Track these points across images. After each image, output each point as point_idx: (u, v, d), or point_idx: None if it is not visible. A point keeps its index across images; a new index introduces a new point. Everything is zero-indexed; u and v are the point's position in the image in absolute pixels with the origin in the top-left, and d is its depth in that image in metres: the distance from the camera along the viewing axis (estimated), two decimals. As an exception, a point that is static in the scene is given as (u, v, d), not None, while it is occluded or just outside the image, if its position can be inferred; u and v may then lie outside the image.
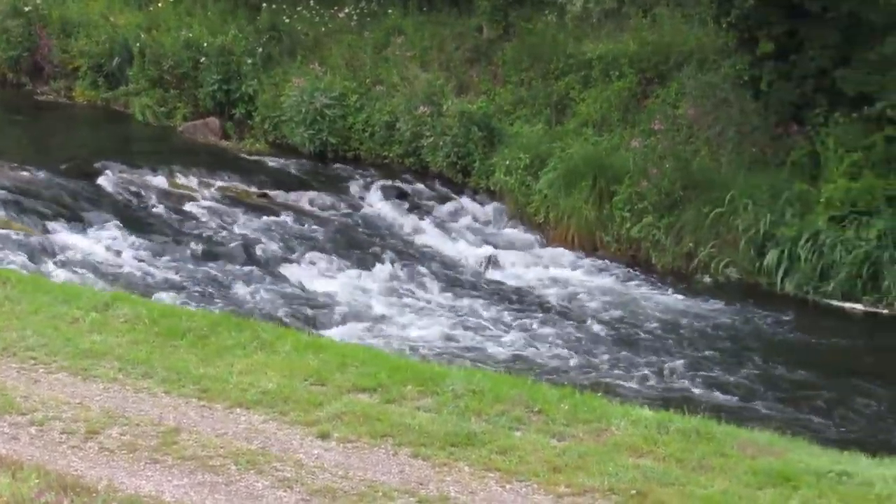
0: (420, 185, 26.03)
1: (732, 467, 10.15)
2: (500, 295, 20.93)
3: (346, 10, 29.92)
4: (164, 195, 24.57)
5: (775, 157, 22.58)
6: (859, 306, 20.47)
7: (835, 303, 20.60)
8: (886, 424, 16.40)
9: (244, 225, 23.26)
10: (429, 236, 23.76)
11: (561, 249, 23.16)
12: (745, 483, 9.86)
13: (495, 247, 23.19)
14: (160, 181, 25.40)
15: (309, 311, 19.42)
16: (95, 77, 31.08)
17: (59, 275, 19.24)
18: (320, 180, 26.44)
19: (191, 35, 29.75)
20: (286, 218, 23.74)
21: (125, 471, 9.74)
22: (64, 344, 12.44)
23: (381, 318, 19.45)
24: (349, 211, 24.91)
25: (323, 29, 29.77)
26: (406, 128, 26.44)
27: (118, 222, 22.47)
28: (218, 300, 19.33)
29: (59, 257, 20.51)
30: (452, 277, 21.65)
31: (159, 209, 23.77)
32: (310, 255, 21.93)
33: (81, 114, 30.89)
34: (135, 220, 22.99)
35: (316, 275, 21.23)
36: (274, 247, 22.24)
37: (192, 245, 21.91)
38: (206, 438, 10.35)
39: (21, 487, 8.95)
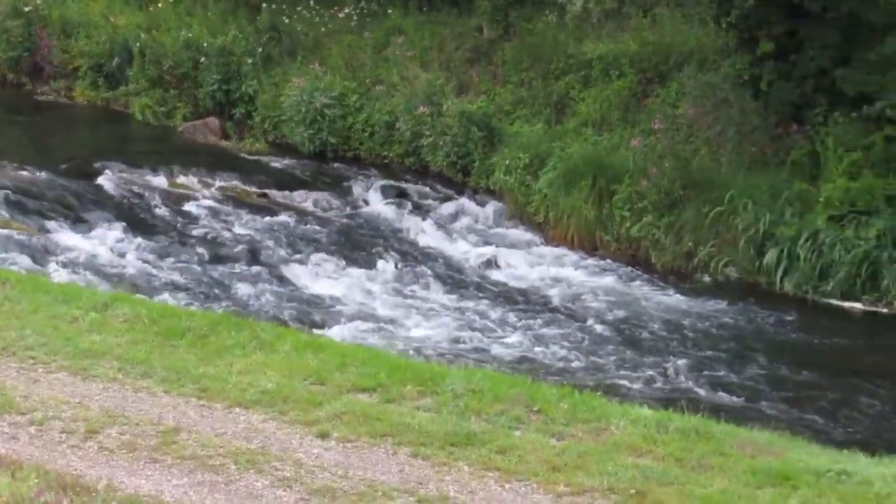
0: (420, 185, 26.04)
1: (732, 466, 10.15)
2: (500, 294, 20.93)
3: (346, 11, 29.92)
4: (164, 195, 24.57)
5: (775, 156, 22.59)
6: (858, 305, 20.47)
7: (834, 302, 20.60)
8: (888, 424, 16.39)
9: (244, 225, 23.26)
10: (429, 236, 23.76)
11: (561, 249, 23.17)
12: (745, 482, 9.86)
13: (495, 246, 23.19)
14: (160, 181, 25.41)
15: (308, 311, 19.43)
16: (95, 77, 31.08)
17: (59, 275, 19.25)
18: (320, 180, 26.44)
19: (191, 35, 29.75)
20: (286, 218, 23.75)
21: (125, 470, 9.74)
22: (63, 344, 12.44)
23: (381, 318, 19.44)
24: (349, 211, 24.91)
25: (323, 29, 29.77)
26: (406, 128, 26.45)
27: (118, 222, 22.48)
28: (217, 300, 19.34)
29: (59, 257, 20.52)
30: (452, 277, 21.65)
31: (159, 209, 23.78)
32: (309, 255, 21.93)
33: (81, 114, 30.89)
34: (135, 220, 22.99)
35: (315, 274, 21.23)
36: (273, 246, 22.24)
37: (192, 245, 21.93)
38: (205, 438, 10.35)
39: (20, 487, 8.95)
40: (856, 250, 20.45)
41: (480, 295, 20.79)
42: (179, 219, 23.42)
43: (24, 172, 24.86)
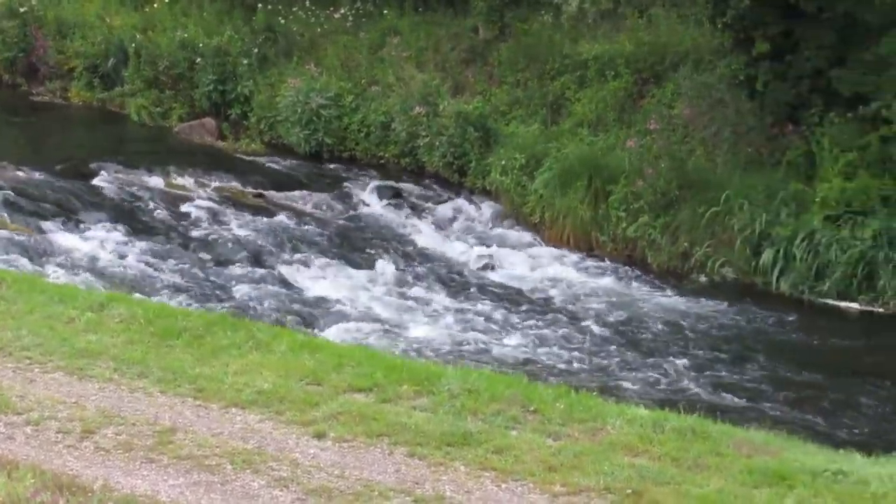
0: (416, 186, 26.04)
1: (728, 466, 10.15)
2: (498, 295, 20.92)
3: (342, 11, 29.94)
4: (160, 195, 24.56)
5: (771, 156, 22.60)
6: (855, 305, 20.49)
7: (830, 302, 20.62)
8: (887, 424, 16.39)
9: (240, 225, 23.25)
10: (425, 236, 23.77)
11: (557, 249, 23.17)
12: (741, 482, 9.87)
13: (491, 247, 23.19)
14: (156, 181, 25.40)
15: (305, 311, 19.42)
16: (91, 78, 31.07)
17: (55, 275, 19.23)
18: (316, 181, 26.43)
19: (186, 36, 29.74)
20: (282, 218, 23.74)
21: (121, 470, 9.73)
22: (60, 344, 12.44)
23: (379, 319, 19.43)
24: (345, 211, 24.90)
25: (319, 29, 29.79)
26: (402, 128, 26.45)
27: (114, 223, 22.48)
28: (214, 300, 19.32)
29: (55, 257, 20.50)
30: (449, 277, 21.65)
31: (155, 210, 23.76)
32: (305, 256, 21.94)
33: (77, 115, 30.89)
34: (131, 220, 22.97)
35: (312, 275, 21.22)
36: (270, 247, 22.23)
37: (188, 245, 21.94)
38: (201, 438, 10.34)
39: (17, 487, 8.95)
40: (852, 250, 20.46)
41: (478, 296, 20.78)
42: (175, 219, 23.40)
43: (20, 173, 24.86)
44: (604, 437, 10.62)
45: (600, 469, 9.89)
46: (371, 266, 21.71)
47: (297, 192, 25.50)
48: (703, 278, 21.79)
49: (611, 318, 19.98)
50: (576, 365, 17.90)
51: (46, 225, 22.08)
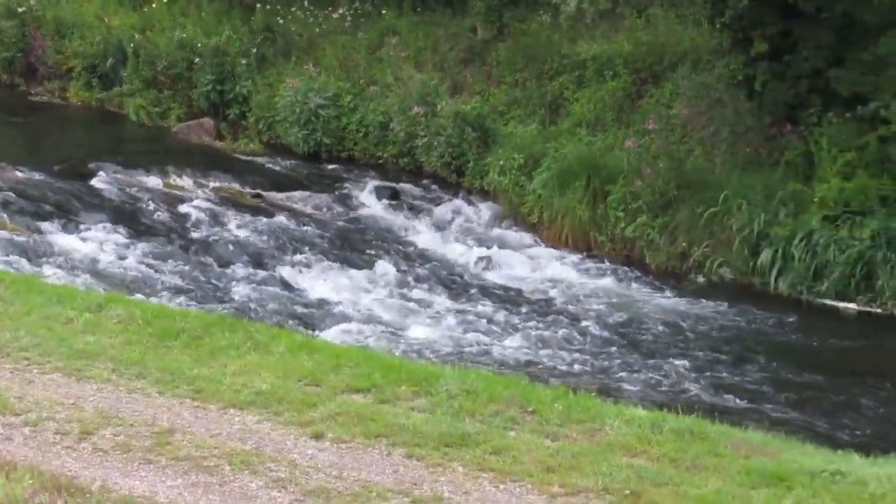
0: (414, 186, 26.04)
1: (726, 467, 10.15)
2: (496, 296, 20.91)
3: (341, 11, 29.94)
4: (158, 196, 24.56)
5: (769, 157, 22.60)
6: (853, 306, 20.49)
7: (828, 302, 20.62)
8: (887, 425, 16.38)
9: (239, 226, 23.24)
10: (423, 236, 23.78)
11: (555, 249, 23.17)
12: (739, 483, 9.86)
13: (489, 247, 23.18)
14: (154, 182, 25.40)
15: (303, 312, 19.41)
16: (89, 78, 31.07)
17: (53, 275, 19.22)
18: (314, 181, 26.43)
19: (185, 36, 29.75)
20: (280, 219, 23.74)
21: (119, 471, 9.73)
22: (58, 344, 12.43)
23: (378, 320, 19.42)
24: (343, 211, 24.90)
25: (317, 29, 29.79)
26: (400, 128, 26.45)
27: (112, 223, 22.48)
28: (212, 301, 19.32)
29: (53, 258, 20.50)
30: (447, 278, 21.65)
31: (154, 210, 23.76)
32: (304, 257, 21.93)
33: (75, 115, 30.89)
34: (129, 220, 22.97)
35: (311, 276, 21.21)
36: (269, 248, 22.24)
37: (187, 246, 21.93)
38: (200, 439, 10.34)
39: (15, 488, 8.95)
40: (850, 250, 20.46)
41: (477, 296, 20.77)
42: (174, 220, 23.40)
43: (19, 173, 24.86)
44: (602, 438, 10.62)
45: (598, 470, 9.89)
46: (370, 267, 21.70)
47: (295, 193, 25.50)
48: (701, 278, 21.80)
49: (610, 319, 19.97)
50: (576, 366, 17.89)
51: (45, 225, 22.07)
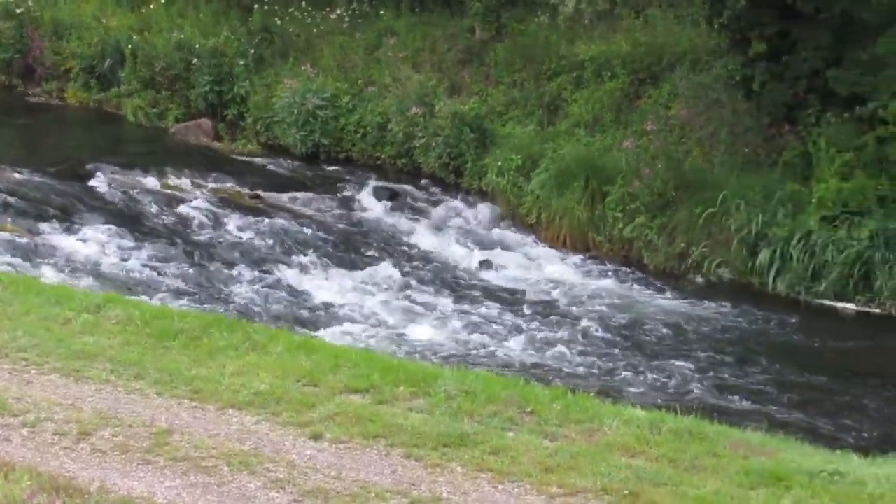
0: (412, 187, 26.03)
1: (725, 467, 10.16)
2: (496, 297, 20.90)
3: (338, 12, 29.93)
4: (156, 197, 24.55)
5: (767, 157, 22.60)
6: (851, 306, 20.49)
7: (827, 302, 20.62)
8: (886, 425, 16.38)
9: (236, 226, 23.24)
10: (421, 237, 23.77)
11: (553, 250, 23.16)
12: (738, 483, 9.87)
13: (488, 248, 23.17)
14: (152, 182, 25.39)
15: (301, 313, 19.41)
16: (87, 79, 31.07)
17: (52, 276, 19.21)
18: (312, 181, 26.43)
19: (183, 36, 29.75)
20: (279, 219, 23.72)
21: (117, 472, 9.73)
22: (56, 345, 12.43)
23: (378, 321, 19.42)
24: (341, 212, 24.89)
25: (315, 30, 29.78)
26: (398, 129, 26.44)
27: (110, 224, 22.46)
28: (210, 301, 19.32)
29: (51, 259, 20.48)
30: (446, 279, 21.64)
31: (152, 211, 23.76)
32: (302, 257, 21.93)
33: (73, 115, 30.88)
34: (127, 221, 22.96)
35: (310, 277, 21.21)
36: (267, 249, 22.24)
37: (185, 246, 21.92)
38: (198, 439, 10.34)
39: (13, 489, 8.95)
40: (848, 251, 20.46)
41: (476, 297, 20.75)
42: (172, 220, 23.39)
43: (17, 174, 24.84)
44: (600, 438, 10.62)
45: (597, 470, 9.89)
46: (366, 267, 21.70)
47: (294, 194, 25.48)
48: (699, 279, 21.80)
49: (610, 320, 19.96)
50: (580, 368, 17.88)
51: (42, 226, 22.07)
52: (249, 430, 10.62)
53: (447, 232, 24.05)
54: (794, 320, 20.08)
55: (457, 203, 25.28)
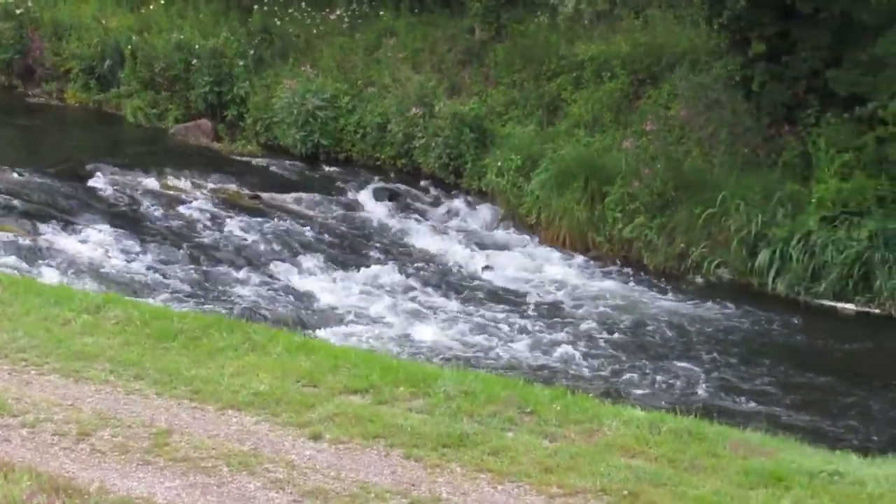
0: (412, 187, 26.02)
1: (724, 467, 10.16)
2: (496, 297, 20.89)
3: (338, 12, 29.92)
4: (156, 197, 24.56)
5: (767, 157, 22.60)
6: (851, 306, 20.50)
7: (826, 303, 20.62)
8: (886, 426, 16.37)
9: (236, 227, 23.23)
10: (421, 238, 23.76)
11: (553, 250, 23.15)
12: (737, 483, 9.87)
13: (487, 248, 23.17)
14: (152, 183, 25.39)
15: (301, 313, 19.40)
16: (87, 79, 31.08)
17: (51, 277, 19.21)
18: (312, 182, 26.42)
19: (182, 37, 29.75)
20: (278, 220, 23.72)
21: (117, 472, 9.73)
22: (56, 346, 12.43)
23: (375, 320, 19.42)
24: (341, 213, 24.88)
25: (314, 31, 29.76)
26: (398, 129, 26.43)
27: (110, 224, 22.47)
28: (210, 302, 19.31)
29: (51, 259, 20.47)
30: (446, 279, 21.64)
31: (151, 211, 23.76)
32: (302, 257, 21.92)
33: (73, 116, 30.89)
34: (127, 222, 22.96)
35: (308, 277, 21.21)
36: (266, 249, 22.23)
37: (185, 247, 21.91)
38: (197, 440, 10.34)
39: (13, 489, 8.95)
40: (848, 251, 20.46)
41: (476, 298, 20.74)
42: (172, 221, 23.39)
43: (16, 174, 24.86)
44: (600, 439, 10.62)
45: (596, 470, 9.89)
46: (366, 268, 21.68)
47: (293, 195, 25.47)
48: (699, 279, 21.80)
49: (613, 321, 19.95)
50: (583, 369, 17.86)
51: (42, 226, 22.05)
52: (249, 430, 10.62)
53: (448, 233, 24.02)
54: (794, 321, 20.08)
55: (457, 203, 25.28)
